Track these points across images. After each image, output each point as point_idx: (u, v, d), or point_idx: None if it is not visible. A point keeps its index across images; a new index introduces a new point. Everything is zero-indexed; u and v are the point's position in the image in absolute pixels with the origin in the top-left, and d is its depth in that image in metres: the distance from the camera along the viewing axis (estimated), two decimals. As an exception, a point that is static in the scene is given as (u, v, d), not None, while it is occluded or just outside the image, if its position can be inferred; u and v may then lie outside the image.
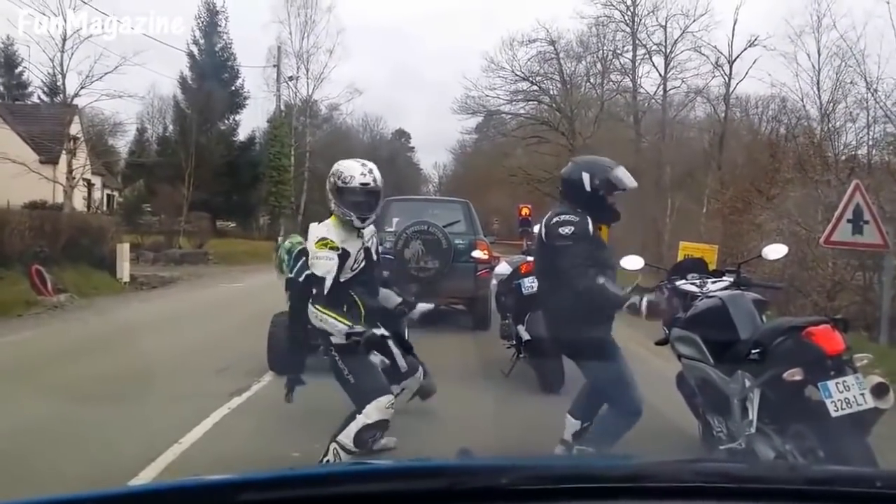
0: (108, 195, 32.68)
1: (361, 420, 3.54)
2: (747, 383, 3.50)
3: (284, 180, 32.09)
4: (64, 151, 21.26)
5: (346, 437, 3.56)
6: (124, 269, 15.27)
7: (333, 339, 3.63)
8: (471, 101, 30.47)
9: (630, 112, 28.68)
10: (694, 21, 26.50)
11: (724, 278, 4.25)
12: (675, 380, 4.39)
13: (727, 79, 25.41)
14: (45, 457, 4.19)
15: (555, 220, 3.74)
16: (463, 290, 9.44)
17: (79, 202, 23.64)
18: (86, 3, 18.52)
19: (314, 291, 3.60)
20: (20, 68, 32.11)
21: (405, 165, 51.47)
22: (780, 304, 8.75)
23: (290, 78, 33.83)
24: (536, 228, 4.35)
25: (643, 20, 27.65)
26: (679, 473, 1.27)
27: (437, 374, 4.56)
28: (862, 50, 15.23)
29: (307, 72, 34.50)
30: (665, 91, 27.69)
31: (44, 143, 22.28)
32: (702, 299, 4.02)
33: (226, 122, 34.56)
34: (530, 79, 29.89)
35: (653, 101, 28.38)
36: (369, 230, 3.87)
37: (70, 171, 20.29)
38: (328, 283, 3.60)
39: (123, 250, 15.58)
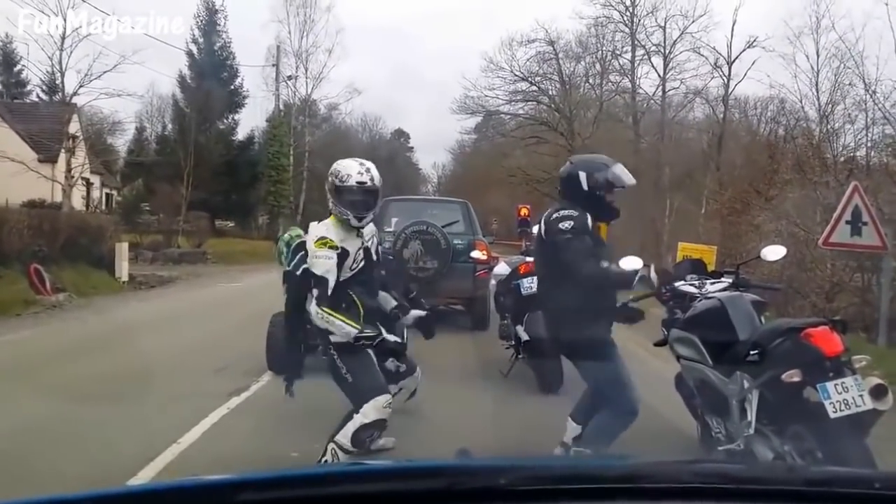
0: (107, 194, 32.64)
1: (359, 419, 3.54)
2: (746, 384, 3.50)
3: (283, 180, 32.11)
4: (63, 150, 21.26)
5: (344, 436, 3.55)
6: (123, 269, 15.27)
7: (333, 338, 3.62)
8: (470, 102, 30.52)
9: (629, 113, 28.68)
10: (693, 22, 26.53)
11: (723, 279, 4.24)
12: (673, 381, 4.40)
13: (726, 80, 25.44)
14: (44, 456, 4.18)
15: (554, 216, 3.74)
16: (462, 291, 9.45)
17: (77, 201, 23.60)
18: (85, 2, 18.54)
19: (317, 292, 3.59)
20: (19, 66, 32.23)
21: (404, 165, 51.52)
22: (779, 306, 8.75)
23: (290, 77, 33.93)
24: (535, 228, 4.35)
25: (642, 21, 27.68)
26: (678, 474, 1.27)
27: (435, 374, 4.57)
28: (861, 51, 15.22)
29: (306, 71, 34.59)
30: (664, 92, 27.71)
31: (42, 141, 22.26)
32: (700, 300, 4.03)
33: (225, 121, 34.60)
34: (529, 79, 29.91)
35: (652, 101, 28.39)
36: (369, 230, 3.85)
37: (69, 170, 20.26)
38: (331, 283, 3.59)
39: (122, 249, 15.58)
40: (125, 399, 5.35)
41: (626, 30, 27.99)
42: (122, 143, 36.62)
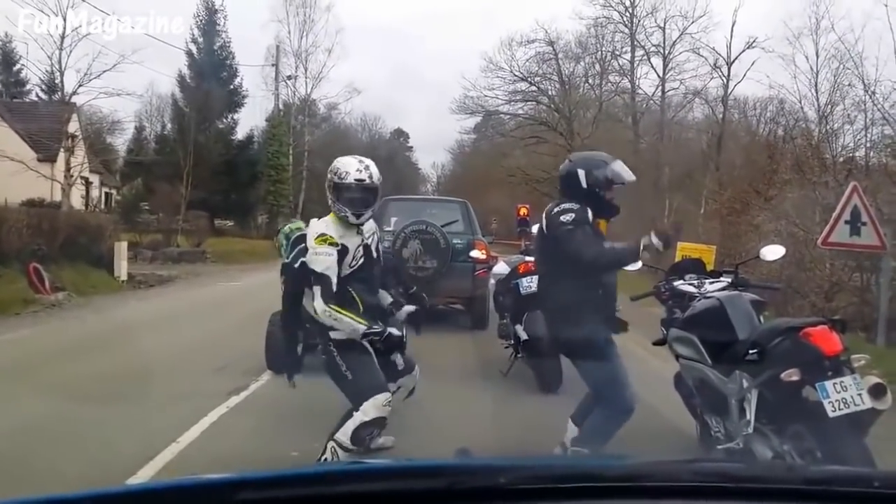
0: (107, 193, 32.61)
1: (359, 417, 3.53)
2: (745, 383, 3.50)
3: (283, 179, 32.12)
4: (62, 149, 21.22)
5: (344, 434, 3.54)
6: (122, 268, 15.26)
7: (333, 335, 3.62)
8: (469, 102, 30.60)
9: (628, 113, 28.73)
10: (692, 23, 26.63)
11: (722, 279, 4.25)
12: (672, 380, 4.39)
13: (725, 80, 25.53)
14: (44, 456, 4.18)
15: (556, 210, 3.75)
16: (461, 290, 9.44)
17: (77, 200, 23.60)
18: (85, 2, 18.53)
19: (319, 289, 3.57)
20: (18, 66, 32.16)
21: (404, 165, 51.54)
22: (778, 305, 8.75)
23: (289, 77, 33.96)
24: (535, 228, 4.35)
25: (642, 21, 27.76)
26: (677, 473, 1.28)
27: (435, 373, 4.56)
28: (860, 52, 15.29)
29: (306, 71, 34.62)
30: (663, 92, 27.78)
31: (42, 140, 22.22)
32: (700, 300, 4.03)
33: (224, 120, 34.55)
34: (529, 79, 29.97)
35: (651, 102, 28.44)
36: (369, 226, 3.84)
37: (68, 169, 20.23)
38: (334, 280, 3.58)
39: (121, 249, 15.57)
40: (124, 398, 5.35)
41: (626, 30, 28.08)
42: (121, 142, 36.63)
